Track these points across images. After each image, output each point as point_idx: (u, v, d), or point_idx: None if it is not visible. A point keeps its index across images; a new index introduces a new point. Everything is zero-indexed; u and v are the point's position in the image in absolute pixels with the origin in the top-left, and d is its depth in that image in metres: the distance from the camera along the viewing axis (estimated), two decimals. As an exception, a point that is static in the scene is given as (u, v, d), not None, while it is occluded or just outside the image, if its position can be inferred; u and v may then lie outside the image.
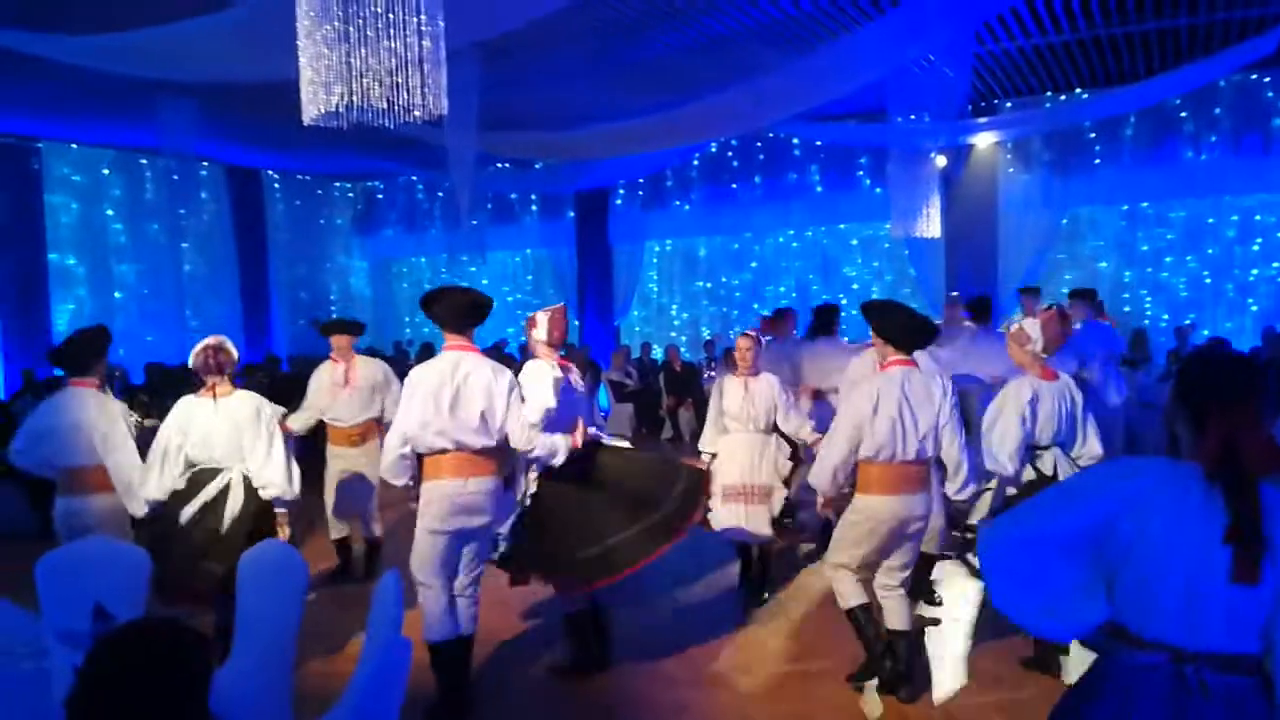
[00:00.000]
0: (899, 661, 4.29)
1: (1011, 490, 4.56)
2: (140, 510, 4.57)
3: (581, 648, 4.61)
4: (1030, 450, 4.47)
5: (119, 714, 1.66)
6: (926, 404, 4.11)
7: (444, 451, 4.15)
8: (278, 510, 4.62)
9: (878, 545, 4.19)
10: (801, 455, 5.83)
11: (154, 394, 10.03)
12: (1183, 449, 2.04)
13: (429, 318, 4.35)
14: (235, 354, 4.68)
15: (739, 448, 5.63)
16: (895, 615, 4.32)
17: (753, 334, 5.85)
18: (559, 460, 4.33)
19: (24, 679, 2.45)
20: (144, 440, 4.76)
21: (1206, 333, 11.56)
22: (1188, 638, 1.87)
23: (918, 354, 5.32)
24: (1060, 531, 2.00)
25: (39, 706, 2.38)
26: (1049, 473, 4.42)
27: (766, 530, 5.61)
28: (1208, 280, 12.12)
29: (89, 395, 4.66)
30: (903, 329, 4.22)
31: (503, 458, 4.34)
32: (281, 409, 5.21)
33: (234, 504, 4.51)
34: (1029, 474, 4.47)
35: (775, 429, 5.67)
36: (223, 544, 4.38)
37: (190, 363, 4.62)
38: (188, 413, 4.57)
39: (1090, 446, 4.53)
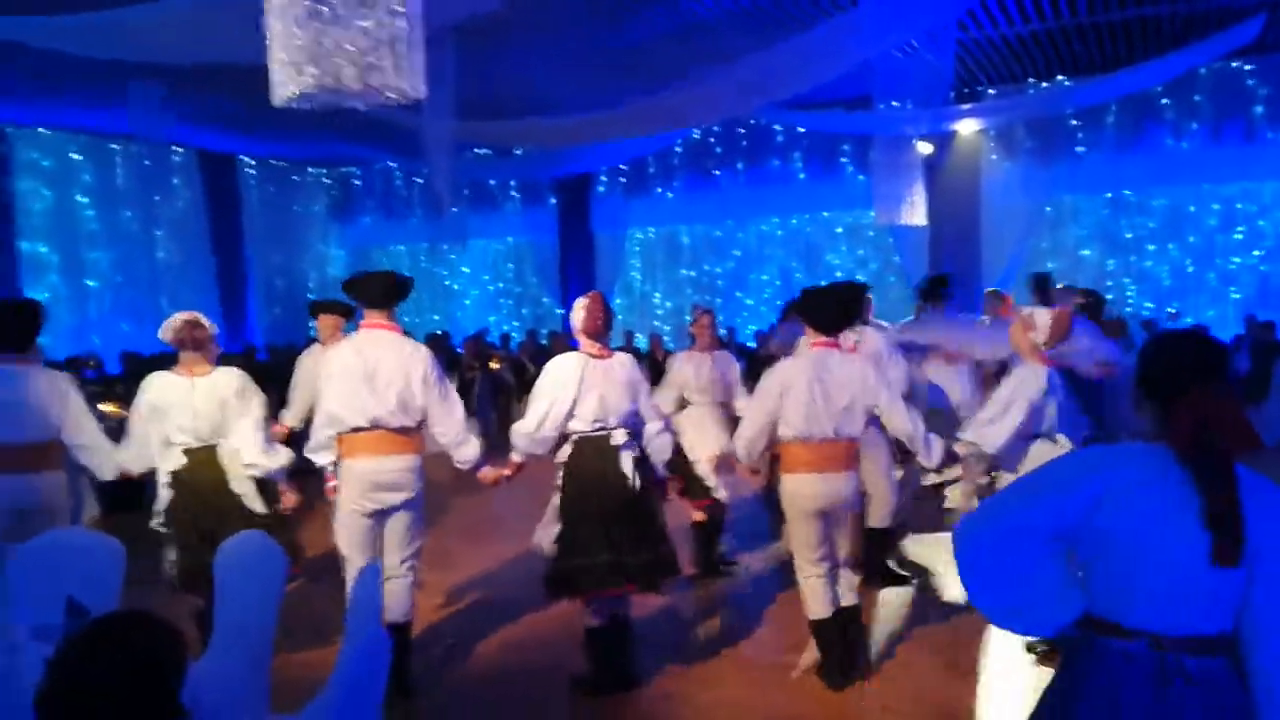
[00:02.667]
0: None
1: (984, 480, 4.78)
2: (111, 473, 4.52)
3: (603, 664, 4.33)
4: (1028, 439, 4.50)
5: (88, 709, 1.61)
6: (844, 385, 4.12)
7: (359, 430, 4.11)
8: (280, 483, 4.59)
9: (816, 526, 4.19)
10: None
11: (130, 383, 9.82)
12: (1149, 431, 2.02)
13: (351, 298, 4.32)
14: (211, 329, 4.57)
15: (705, 420, 5.77)
16: (817, 606, 4.33)
17: (711, 311, 6.11)
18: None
19: (-6, 672, 2.36)
20: (118, 432, 4.66)
21: (1190, 320, 11.57)
22: (1169, 623, 1.85)
23: (871, 336, 5.54)
24: (1036, 525, 1.98)
25: (9, 702, 2.29)
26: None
27: (724, 493, 5.81)
28: (1190, 269, 12.15)
29: None
30: (820, 313, 4.29)
31: (422, 435, 4.27)
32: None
33: (236, 475, 4.47)
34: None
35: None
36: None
37: (166, 338, 4.49)
38: (161, 391, 4.46)
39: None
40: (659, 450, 4.44)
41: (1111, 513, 1.89)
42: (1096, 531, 1.91)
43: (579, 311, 4.30)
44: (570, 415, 4.19)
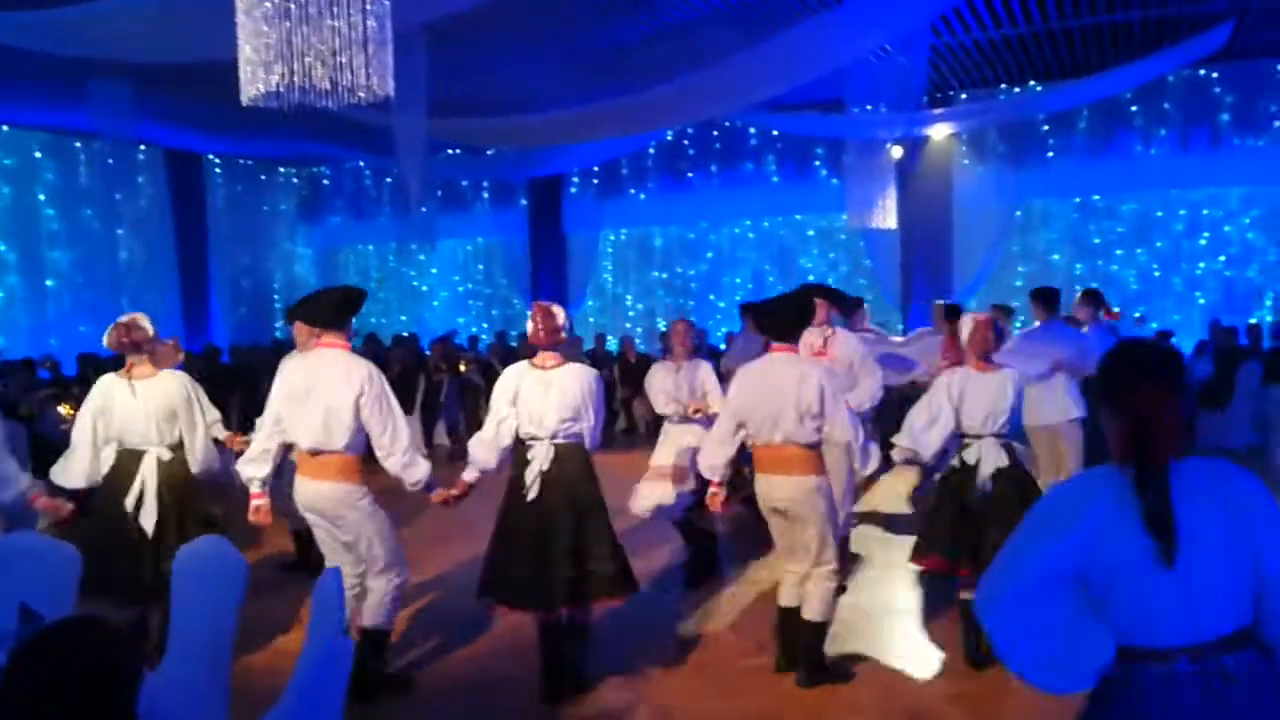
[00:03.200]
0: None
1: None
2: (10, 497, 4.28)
3: (550, 664, 4.25)
4: (959, 439, 4.51)
5: (40, 716, 1.58)
6: (779, 393, 4.16)
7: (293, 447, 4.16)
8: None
9: (775, 522, 4.35)
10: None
11: (86, 385, 9.60)
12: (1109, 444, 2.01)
13: (304, 321, 4.31)
14: (149, 330, 4.50)
15: (672, 431, 5.77)
16: (784, 595, 4.44)
17: (686, 320, 6.12)
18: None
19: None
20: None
21: (1156, 324, 11.69)
22: (1194, 631, 1.84)
23: (843, 339, 5.62)
24: (1055, 570, 1.94)
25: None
26: (972, 462, 4.43)
27: (670, 498, 5.71)
28: (1156, 273, 12.29)
29: None
30: (769, 322, 4.41)
31: (356, 463, 4.11)
32: (217, 413, 4.96)
33: (148, 493, 4.36)
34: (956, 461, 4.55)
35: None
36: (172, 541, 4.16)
37: (106, 344, 4.46)
38: (106, 393, 4.43)
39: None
40: None
41: (1103, 547, 1.87)
42: (1099, 568, 1.88)
43: (527, 323, 4.37)
44: (517, 424, 4.26)
